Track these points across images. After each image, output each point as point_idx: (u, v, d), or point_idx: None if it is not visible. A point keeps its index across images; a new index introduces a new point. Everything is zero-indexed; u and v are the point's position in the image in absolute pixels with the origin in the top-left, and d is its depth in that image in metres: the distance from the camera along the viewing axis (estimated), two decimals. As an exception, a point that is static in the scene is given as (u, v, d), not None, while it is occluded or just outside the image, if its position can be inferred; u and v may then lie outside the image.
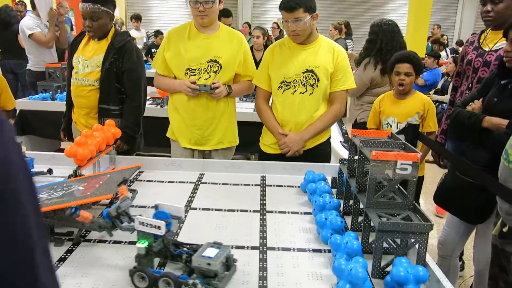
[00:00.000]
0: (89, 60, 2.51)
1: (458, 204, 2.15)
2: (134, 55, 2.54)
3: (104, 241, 1.30)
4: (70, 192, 1.41)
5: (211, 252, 1.05)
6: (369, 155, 1.21)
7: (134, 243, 1.15)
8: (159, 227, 1.04)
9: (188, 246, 1.14)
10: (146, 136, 2.76)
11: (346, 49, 7.13)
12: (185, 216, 1.50)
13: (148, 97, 3.42)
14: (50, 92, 3.77)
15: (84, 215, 1.14)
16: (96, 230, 1.22)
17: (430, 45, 8.41)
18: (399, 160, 1.21)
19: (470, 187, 2.03)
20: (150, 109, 3.34)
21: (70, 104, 2.67)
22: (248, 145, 2.89)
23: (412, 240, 1.17)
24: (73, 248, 1.26)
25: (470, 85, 2.56)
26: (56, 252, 1.23)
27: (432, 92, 6.31)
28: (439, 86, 6.28)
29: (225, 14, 4.91)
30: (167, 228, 1.07)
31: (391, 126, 2.62)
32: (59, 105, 2.77)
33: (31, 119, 3.58)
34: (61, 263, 1.18)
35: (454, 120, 2.21)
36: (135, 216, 1.12)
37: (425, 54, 6.80)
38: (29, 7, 7.43)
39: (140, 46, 7.88)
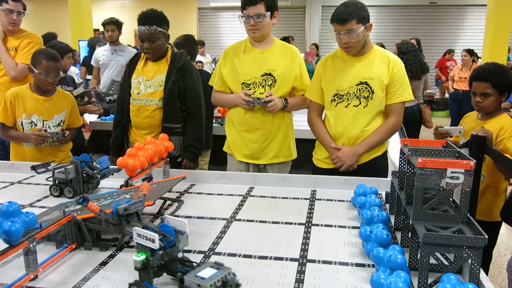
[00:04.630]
0: (151, 80, 2.58)
1: None
2: (193, 74, 2.62)
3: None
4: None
5: (207, 272, 0.97)
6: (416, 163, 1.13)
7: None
8: (153, 240, 0.97)
9: (194, 264, 1.07)
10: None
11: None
12: (228, 227, 1.50)
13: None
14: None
15: (92, 207, 1.14)
16: (103, 224, 1.23)
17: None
18: (449, 168, 1.11)
19: None
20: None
21: (126, 125, 2.70)
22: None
23: (464, 256, 1.06)
24: (116, 254, 1.29)
25: None
26: (100, 256, 1.27)
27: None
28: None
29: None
30: (164, 243, 1.02)
31: None
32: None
33: (102, 138, 3.81)
34: (102, 266, 1.21)
35: None
36: (146, 222, 1.11)
37: None
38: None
39: (208, 71, 8.15)
